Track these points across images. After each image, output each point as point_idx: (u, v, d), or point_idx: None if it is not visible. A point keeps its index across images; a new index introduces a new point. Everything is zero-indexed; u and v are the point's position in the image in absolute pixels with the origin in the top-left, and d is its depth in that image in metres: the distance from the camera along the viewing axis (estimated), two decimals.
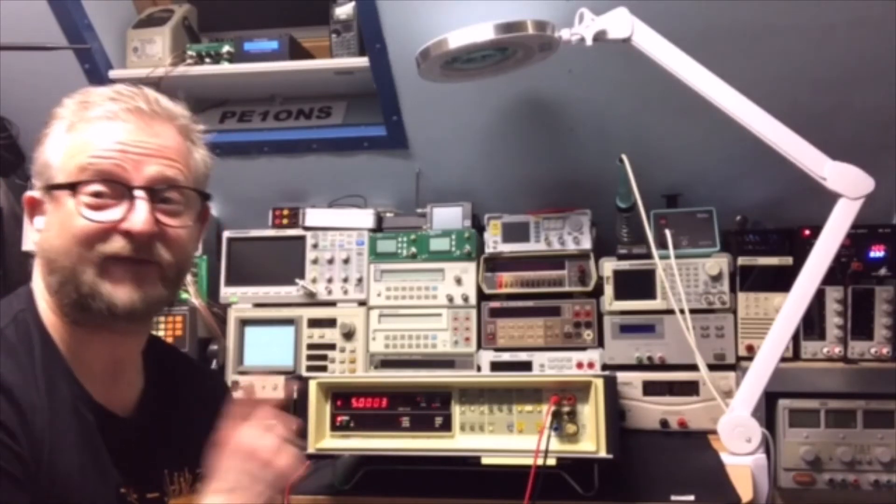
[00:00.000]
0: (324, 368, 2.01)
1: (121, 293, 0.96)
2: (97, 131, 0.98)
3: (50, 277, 0.98)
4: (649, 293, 1.89)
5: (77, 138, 0.98)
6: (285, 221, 2.13)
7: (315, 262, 2.07)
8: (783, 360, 1.57)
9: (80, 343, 1.00)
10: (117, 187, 0.97)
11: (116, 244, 0.96)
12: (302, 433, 1.50)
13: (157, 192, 0.99)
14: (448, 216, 2.08)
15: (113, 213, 0.96)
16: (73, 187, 0.95)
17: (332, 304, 2.06)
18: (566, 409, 1.45)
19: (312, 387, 1.54)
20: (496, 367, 1.93)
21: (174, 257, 1.01)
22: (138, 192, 0.97)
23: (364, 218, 2.10)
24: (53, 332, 0.99)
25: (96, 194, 0.96)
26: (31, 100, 2.22)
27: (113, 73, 2.14)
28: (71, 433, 0.96)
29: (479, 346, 1.97)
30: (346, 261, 2.06)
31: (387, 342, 2.01)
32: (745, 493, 1.47)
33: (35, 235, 1.01)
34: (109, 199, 0.97)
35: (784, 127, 1.56)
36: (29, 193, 1.02)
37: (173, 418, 1.11)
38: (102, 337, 1.01)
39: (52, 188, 0.98)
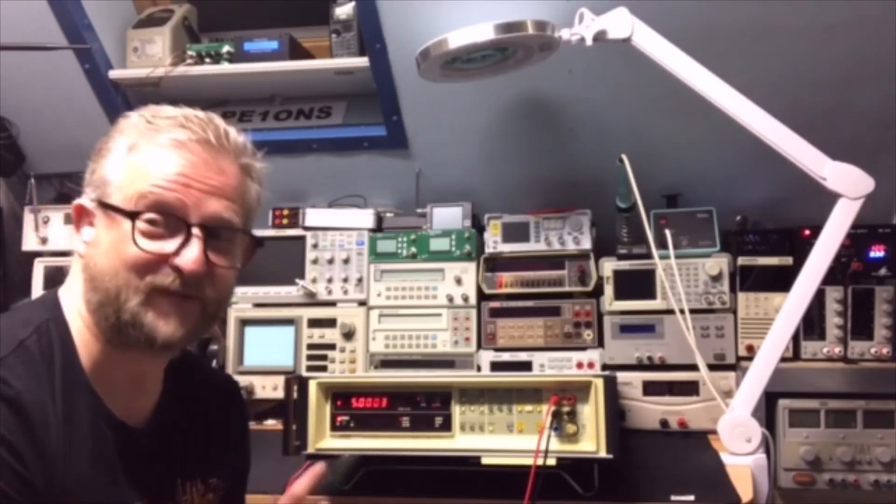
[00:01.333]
0: (324, 368, 2.01)
1: (163, 326, 0.95)
2: (162, 158, 0.95)
3: (92, 294, 0.96)
4: (649, 293, 1.89)
5: (139, 161, 0.96)
6: (285, 221, 2.14)
7: (315, 262, 2.07)
8: (783, 360, 1.57)
9: (107, 359, 0.98)
10: (174, 220, 0.95)
11: (166, 278, 0.95)
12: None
13: (212, 230, 0.97)
14: (448, 216, 2.08)
15: (166, 245, 0.95)
16: (132, 215, 0.94)
17: (332, 304, 2.06)
18: (566, 409, 1.45)
19: (312, 387, 1.54)
20: (496, 367, 1.93)
21: (217, 296, 1.00)
22: (195, 230, 0.95)
23: (364, 218, 2.10)
24: (80, 345, 0.97)
25: (152, 222, 0.94)
26: (31, 100, 2.24)
27: (113, 73, 2.14)
28: (86, 449, 0.95)
29: (479, 346, 1.97)
30: (346, 261, 2.06)
31: (387, 342, 2.01)
32: (745, 493, 1.47)
33: (81, 246, 0.99)
34: (164, 230, 0.95)
35: (784, 127, 1.56)
36: (80, 202, 0.99)
37: (187, 427, 1.10)
38: (131, 356, 0.99)
39: (109, 208, 0.95)
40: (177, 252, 0.95)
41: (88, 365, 0.97)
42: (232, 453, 1.19)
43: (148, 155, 0.96)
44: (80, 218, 1.00)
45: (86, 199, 0.99)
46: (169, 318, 0.96)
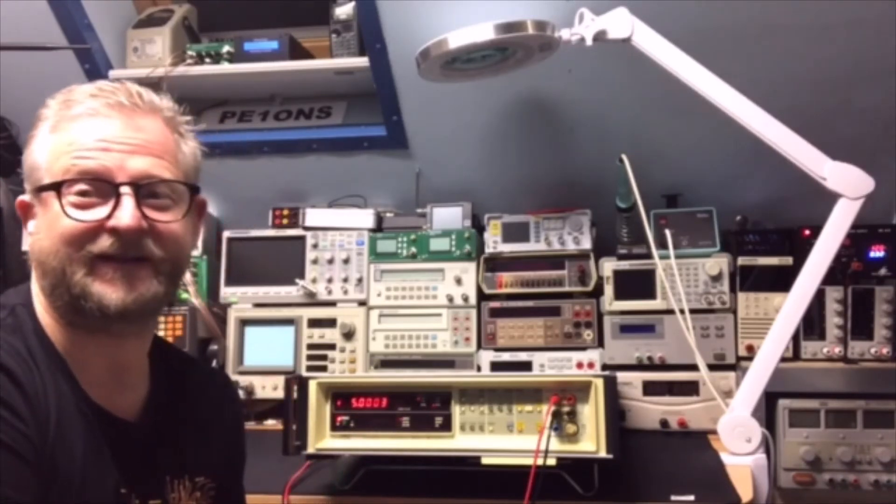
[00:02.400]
0: (324, 368, 2.01)
1: (111, 293, 0.94)
2: (80, 129, 0.96)
3: (43, 280, 0.97)
4: (649, 293, 1.89)
5: (61, 138, 0.96)
6: (285, 221, 2.14)
7: (315, 262, 2.07)
8: (783, 360, 1.57)
9: (78, 346, 0.98)
10: (102, 185, 0.95)
11: (104, 243, 0.94)
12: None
13: (143, 187, 0.96)
14: (448, 216, 2.08)
15: (99, 212, 0.94)
16: (57, 188, 0.94)
17: (332, 304, 2.06)
18: (566, 409, 1.45)
19: (312, 387, 1.54)
20: (496, 367, 1.93)
21: (167, 253, 0.98)
22: (123, 189, 0.95)
23: (364, 218, 2.10)
24: (51, 335, 0.98)
25: (82, 193, 0.94)
26: (31, 100, 2.20)
27: (113, 73, 2.14)
28: (75, 425, 0.95)
29: (479, 346, 1.97)
30: (346, 261, 2.06)
31: (387, 342, 2.01)
32: (745, 493, 1.48)
33: (28, 239, 1.00)
34: (95, 198, 0.95)
35: (784, 127, 1.56)
36: (21, 198, 1.01)
37: (179, 424, 1.10)
38: (99, 339, 0.99)
39: (39, 190, 0.97)
40: (110, 215, 0.94)
41: (62, 353, 0.97)
42: (225, 451, 1.18)
43: (67, 130, 0.97)
44: (25, 214, 1.01)
45: (25, 194, 1.01)
46: (116, 284, 0.94)
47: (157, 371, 1.10)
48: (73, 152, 0.95)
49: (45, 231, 0.96)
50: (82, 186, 0.94)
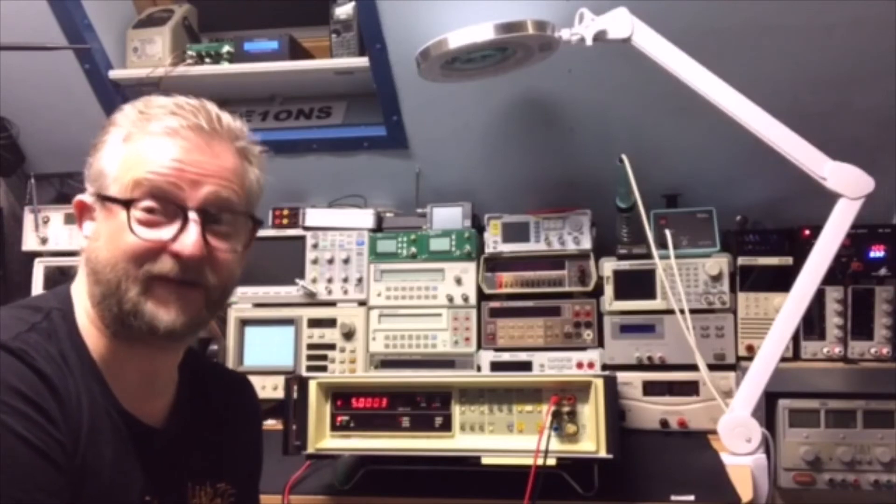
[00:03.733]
0: (324, 368, 2.01)
1: (163, 314, 0.95)
2: (157, 147, 0.95)
3: (94, 288, 0.96)
4: (649, 293, 1.89)
5: (134, 151, 0.96)
6: (285, 221, 2.13)
7: (315, 262, 2.07)
8: (783, 360, 1.57)
9: (116, 354, 0.98)
10: (171, 207, 0.95)
11: (165, 265, 0.94)
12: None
13: (211, 214, 0.97)
14: (448, 216, 2.08)
15: (164, 233, 0.94)
16: (127, 203, 0.94)
17: (332, 304, 2.06)
18: (566, 409, 1.45)
19: (312, 387, 1.54)
20: (496, 367, 1.93)
21: (220, 281, 0.99)
22: (192, 214, 0.95)
23: (364, 218, 2.10)
24: (88, 341, 0.97)
25: (149, 210, 0.94)
26: (31, 100, 2.24)
27: (113, 74, 2.14)
28: (105, 431, 0.95)
29: (479, 346, 1.97)
30: (346, 261, 2.06)
31: (387, 342, 2.01)
32: (745, 493, 1.47)
33: (83, 241, 0.99)
34: (161, 217, 0.95)
35: (784, 127, 1.56)
36: (80, 197, 1.00)
37: (202, 431, 1.10)
38: (138, 350, 0.99)
39: (105, 199, 0.96)
40: (174, 238, 0.94)
41: (98, 360, 0.98)
42: (245, 458, 1.20)
43: (142, 144, 0.96)
44: (81, 214, 1.00)
45: (86, 195, 0.99)
46: (169, 307, 0.95)
47: (184, 378, 1.10)
48: (147, 168, 0.95)
49: (105, 240, 0.95)
50: (150, 204, 0.94)
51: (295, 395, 1.55)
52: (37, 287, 2.18)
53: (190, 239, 0.94)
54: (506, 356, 1.93)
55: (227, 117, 1.02)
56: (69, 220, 2.18)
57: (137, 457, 0.98)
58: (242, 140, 1.03)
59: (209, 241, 0.96)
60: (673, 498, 1.46)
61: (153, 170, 0.94)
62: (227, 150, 1.00)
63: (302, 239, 2.09)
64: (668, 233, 1.87)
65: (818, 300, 1.80)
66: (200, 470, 1.08)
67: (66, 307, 0.99)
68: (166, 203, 0.95)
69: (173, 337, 0.97)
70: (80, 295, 1.00)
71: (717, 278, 1.85)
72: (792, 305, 1.54)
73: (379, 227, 2.11)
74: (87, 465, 0.91)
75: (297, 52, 2.15)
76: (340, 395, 1.55)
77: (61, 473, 0.87)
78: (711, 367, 1.78)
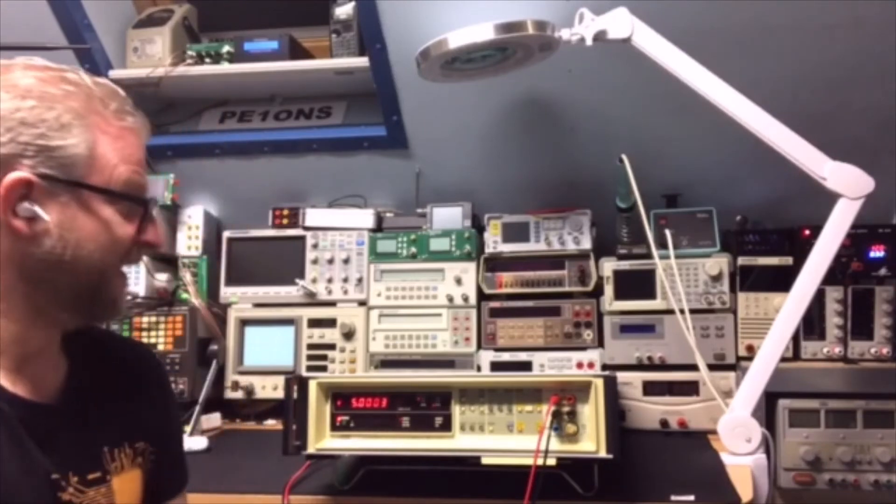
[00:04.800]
0: (324, 368, 2.01)
1: (123, 304, 1.03)
2: (132, 143, 1.00)
3: (58, 275, 0.94)
4: (649, 293, 1.89)
5: (115, 145, 0.97)
6: (285, 221, 2.14)
7: (315, 262, 2.07)
8: (783, 360, 1.57)
9: (8, 339, 0.95)
10: (142, 201, 1.00)
11: (136, 257, 1.01)
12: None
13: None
14: (448, 216, 2.08)
15: (135, 226, 1.00)
16: (118, 196, 0.96)
17: (332, 304, 2.06)
18: (566, 409, 1.45)
19: (312, 387, 1.54)
20: (496, 367, 1.93)
21: None
22: (153, 208, 1.01)
23: (364, 218, 2.10)
24: None
25: (132, 202, 0.99)
26: None
27: (113, 73, 2.14)
28: None
29: (479, 346, 1.97)
30: (346, 261, 2.06)
31: (387, 342, 2.01)
32: (745, 493, 1.47)
33: (20, 225, 0.91)
34: (131, 210, 0.99)
35: (784, 127, 1.56)
36: (23, 175, 0.90)
37: (102, 395, 1.08)
38: (52, 332, 1.01)
39: (83, 186, 0.94)
40: (144, 229, 1.00)
41: None
42: (157, 415, 1.18)
43: (120, 138, 0.98)
44: (15, 193, 0.91)
45: (26, 172, 0.91)
46: (124, 292, 1.04)
47: (74, 350, 1.08)
48: (132, 166, 0.98)
49: (85, 232, 0.95)
50: (131, 197, 0.98)
51: (295, 395, 1.55)
52: None
53: (160, 230, 1.04)
54: (506, 356, 1.94)
55: None
56: None
57: (34, 438, 0.95)
58: None
59: None
60: (673, 498, 1.46)
61: (135, 168, 0.99)
62: None
63: (302, 239, 2.09)
64: (668, 233, 1.88)
65: (818, 300, 1.80)
66: (112, 433, 1.07)
67: None
68: (140, 198, 1.00)
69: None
70: None
71: (717, 278, 1.85)
72: (792, 305, 1.54)
73: (379, 227, 2.11)
74: None
75: (297, 52, 2.15)
76: (340, 395, 1.55)
77: None
78: (711, 367, 1.79)
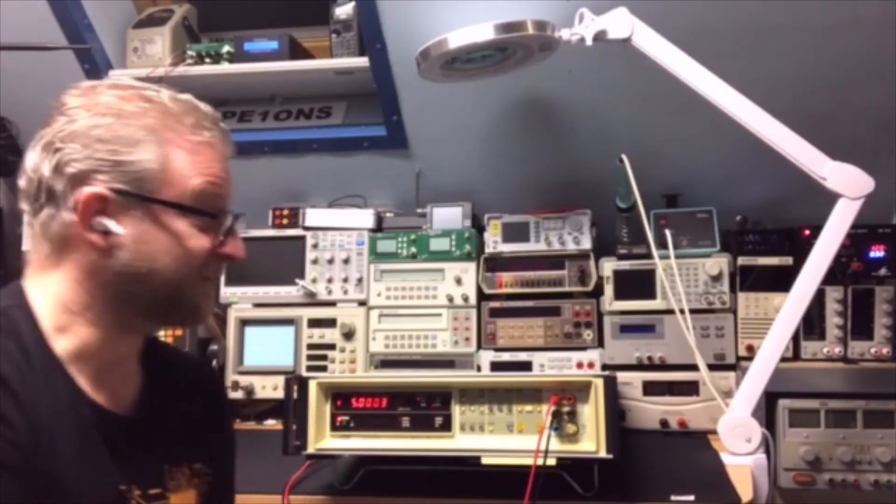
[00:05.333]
0: (324, 368, 2.01)
1: (206, 309, 1.05)
2: (211, 156, 1.01)
3: (141, 288, 0.97)
4: (649, 293, 1.89)
5: (190, 158, 0.99)
6: (285, 221, 2.13)
7: (315, 262, 2.07)
8: (783, 360, 1.57)
9: (89, 345, 0.98)
10: (222, 213, 1.02)
11: (216, 269, 1.04)
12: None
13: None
14: (448, 216, 2.08)
15: (212, 238, 1.01)
16: (191, 211, 0.98)
17: (332, 304, 2.06)
18: (566, 409, 1.45)
19: (312, 387, 1.54)
20: (496, 367, 1.93)
21: None
22: (237, 222, 1.04)
23: (364, 218, 2.10)
24: (50, 335, 0.97)
25: (206, 216, 1.00)
26: (31, 100, 2.22)
27: (113, 73, 2.14)
28: (68, 427, 0.94)
29: (479, 346, 1.97)
30: (346, 261, 2.06)
31: (387, 342, 2.01)
32: (745, 493, 1.48)
33: (96, 239, 0.95)
34: (209, 222, 1.01)
35: (784, 127, 1.56)
36: (98, 190, 0.94)
37: (172, 414, 1.11)
38: (130, 338, 1.03)
39: (155, 201, 0.96)
40: (224, 242, 1.02)
41: (62, 352, 0.97)
42: (217, 440, 1.20)
43: (195, 153, 1.00)
44: (95, 210, 0.95)
45: (101, 187, 0.94)
46: (209, 301, 1.06)
47: (151, 364, 1.11)
48: (207, 178, 1.00)
49: (159, 245, 0.97)
50: (206, 210, 1.00)
51: (295, 395, 1.55)
52: None
53: (240, 244, 1.05)
54: (506, 356, 1.93)
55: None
56: None
57: (108, 448, 0.98)
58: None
59: None
60: (673, 498, 1.46)
61: (214, 180, 1.01)
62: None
63: (302, 239, 2.09)
64: (668, 233, 1.88)
65: (818, 300, 1.80)
66: (176, 452, 1.09)
67: (22, 303, 0.98)
68: (215, 210, 1.01)
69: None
70: (49, 289, 0.98)
71: (717, 278, 1.85)
72: (792, 305, 1.54)
73: (379, 227, 2.11)
74: (52, 465, 0.91)
75: (297, 52, 2.15)
76: (340, 395, 1.55)
77: (14, 477, 0.86)
78: (711, 367, 1.78)
